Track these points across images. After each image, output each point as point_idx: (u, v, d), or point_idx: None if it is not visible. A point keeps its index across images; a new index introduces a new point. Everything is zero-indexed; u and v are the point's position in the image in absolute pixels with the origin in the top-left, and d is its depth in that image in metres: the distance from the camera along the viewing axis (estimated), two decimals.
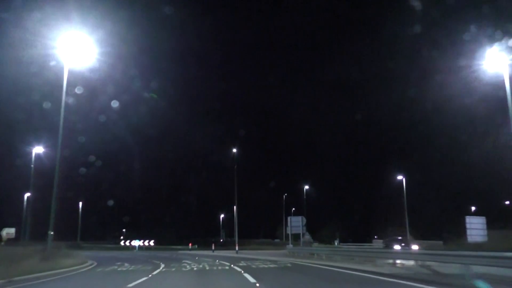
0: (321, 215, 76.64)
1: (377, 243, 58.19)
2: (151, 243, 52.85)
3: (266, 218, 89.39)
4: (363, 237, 73.33)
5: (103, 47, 20.16)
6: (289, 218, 41.15)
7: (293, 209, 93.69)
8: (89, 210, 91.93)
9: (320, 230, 68.30)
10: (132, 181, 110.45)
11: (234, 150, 45.49)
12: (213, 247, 41.30)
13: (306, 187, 69.29)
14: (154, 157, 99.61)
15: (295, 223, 40.16)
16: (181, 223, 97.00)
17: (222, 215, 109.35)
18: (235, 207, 46.67)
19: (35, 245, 22.48)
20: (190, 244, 44.77)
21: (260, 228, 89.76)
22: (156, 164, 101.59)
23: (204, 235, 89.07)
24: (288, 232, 40.80)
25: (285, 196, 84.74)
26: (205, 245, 53.46)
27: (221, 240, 72.12)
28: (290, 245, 39.75)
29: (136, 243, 53.09)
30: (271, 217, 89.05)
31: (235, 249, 44.22)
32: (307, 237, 39.87)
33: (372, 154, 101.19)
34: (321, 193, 79.43)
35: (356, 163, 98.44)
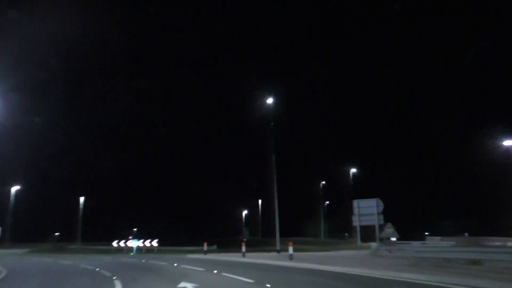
0: None
1: (433, 240, 45.00)
2: (154, 243, 38.24)
3: (301, 211, 76.73)
4: (410, 233, 58.82)
5: None
6: (355, 202, 26.17)
7: (327, 202, 79.33)
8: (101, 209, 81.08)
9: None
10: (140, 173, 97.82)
11: (270, 101, 30.85)
12: (243, 249, 25.67)
13: (353, 170, 54.45)
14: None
15: (367, 209, 25.23)
16: (195, 219, 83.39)
17: (245, 211, 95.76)
18: (274, 188, 31.86)
19: None
20: (205, 244, 30.09)
21: (300, 223, 75.32)
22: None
23: (222, 233, 76.36)
24: (355, 223, 25.85)
25: (322, 184, 70.36)
26: (227, 246, 38.97)
27: (244, 240, 58.28)
28: (374, 244, 24.87)
29: (133, 243, 38.62)
30: (304, 210, 76.32)
31: (268, 250, 30.23)
32: (390, 230, 24.69)
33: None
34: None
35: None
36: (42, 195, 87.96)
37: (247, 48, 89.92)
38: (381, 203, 24.64)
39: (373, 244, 25.01)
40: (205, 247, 30.72)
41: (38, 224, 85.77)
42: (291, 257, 21.07)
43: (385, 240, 25.07)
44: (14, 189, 66.21)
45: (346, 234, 66.52)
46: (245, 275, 13.23)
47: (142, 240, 40.48)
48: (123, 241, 40.79)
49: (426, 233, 60.31)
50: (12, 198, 66.69)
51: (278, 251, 29.16)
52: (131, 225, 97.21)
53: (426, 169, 74.12)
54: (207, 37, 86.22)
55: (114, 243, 40.89)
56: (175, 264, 19.96)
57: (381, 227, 25.06)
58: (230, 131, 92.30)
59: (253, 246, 45.88)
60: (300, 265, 18.07)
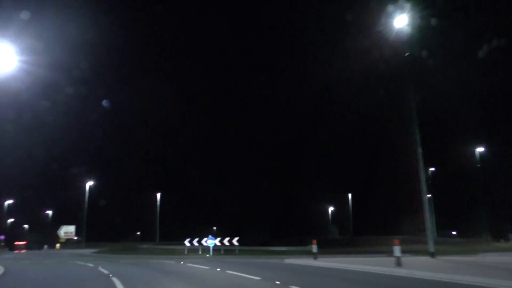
0: None
1: None
2: (234, 241, 29.16)
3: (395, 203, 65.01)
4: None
5: None
6: None
7: (428, 195, 65.85)
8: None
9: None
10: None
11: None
12: (398, 253, 12.97)
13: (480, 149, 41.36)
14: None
15: None
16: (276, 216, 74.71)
17: (331, 208, 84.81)
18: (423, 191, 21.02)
19: None
20: (314, 243, 19.91)
21: (394, 218, 63.24)
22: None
23: (306, 232, 66.84)
24: None
25: (431, 171, 57.27)
26: (324, 246, 28.84)
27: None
28: None
29: (209, 242, 29.90)
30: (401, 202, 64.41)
31: (380, 252, 19.55)
32: None
33: None
34: None
35: None
36: (120, 191, 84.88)
37: None
38: None
39: None
40: (314, 248, 20.49)
41: (120, 223, 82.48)
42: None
43: None
44: (88, 184, 61.85)
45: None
46: None
47: (219, 239, 31.75)
48: (196, 239, 32.35)
49: None
50: (86, 194, 62.76)
51: (432, 255, 18.47)
52: (210, 223, 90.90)
53: None
54: None
55: (187, 242, 32.61)
56: None
57: None
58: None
59: (351, 247, 35.31)
60: None
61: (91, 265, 19.11)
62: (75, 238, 67.16)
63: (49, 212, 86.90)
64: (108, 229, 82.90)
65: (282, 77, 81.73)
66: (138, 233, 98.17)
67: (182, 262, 20.28)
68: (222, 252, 31.17)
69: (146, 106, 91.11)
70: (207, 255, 29.79)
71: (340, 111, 75.95)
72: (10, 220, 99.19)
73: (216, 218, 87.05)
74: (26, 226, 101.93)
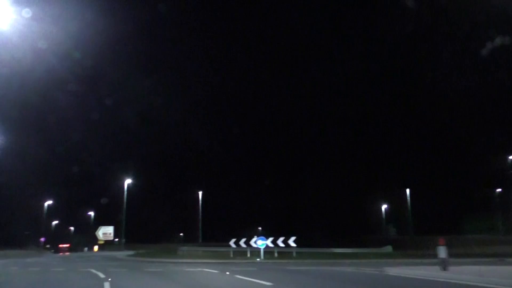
0: None
1: None
2: (291, 242, 22.93)
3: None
4: None
5: None
6: None
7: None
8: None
9: None
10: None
11: None
12: None
13: None
14: None
15: None
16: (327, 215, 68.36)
17: (384, 206, 77.34)
18: None
19: None
20: (441, 242, 13.11)
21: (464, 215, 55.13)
22: None
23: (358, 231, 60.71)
24: None
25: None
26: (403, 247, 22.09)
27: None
28: None
29: (260, 243, 23.87)
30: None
31: None
32: None
33: None
34: None
35: None
36: (161, 191, 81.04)
37: None
38: None
39: None
40: (442, 251, 12.90)
41: (161, 224, 78.55)
42: None
43: None
44: (127, 182, 57.80)
45: None
46: None
47: (271, 239, 25.71)
48: (243, 240, 26.51)
49: None
50: (125, 193, 58.73)
51: None
52: (255, 223, 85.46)
53: None
54: None
55: (232, 243, 26.87)
56: None
57: None
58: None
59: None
60: None
61: (101, 275, 13.66)
62: (116, 240, 63.66)
63: (91, 213, 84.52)
64: (149, 230, 79.29)
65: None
66: (181, 234, 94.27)
67: (228, 273, 14.42)
68: (276, 255, 25.11)
69: (189, 103, 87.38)
70: (258, 259, 23.90)
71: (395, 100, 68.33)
72: (55, 222, 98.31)
73: (261, 218, 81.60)
74: (71, 228, 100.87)
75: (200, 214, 70.73)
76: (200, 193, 70.97)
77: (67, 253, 57.99)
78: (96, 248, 57.65)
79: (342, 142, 79.99)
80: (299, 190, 72.89)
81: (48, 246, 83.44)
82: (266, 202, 79.17)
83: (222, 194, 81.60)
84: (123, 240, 58.96)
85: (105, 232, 57.86)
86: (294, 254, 24.64)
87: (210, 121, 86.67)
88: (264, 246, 24.41)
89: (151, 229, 79.29)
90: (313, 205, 70.76)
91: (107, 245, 58.76)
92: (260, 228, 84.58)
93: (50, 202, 67.26)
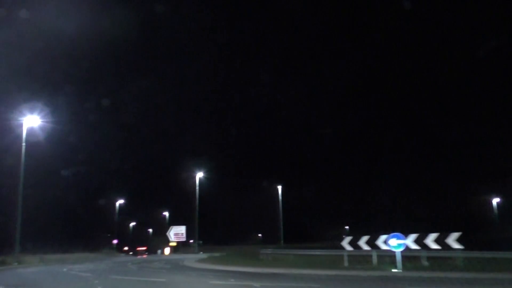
0: None
1: None
2: (451, 241, 12.87)
3: None
4: None
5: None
6: None
7: None
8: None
9: None
10: None
11: None
12: None
13: None
14: None
15: None
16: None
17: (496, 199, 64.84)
18: None
19: None
20: None
21: None
22: None
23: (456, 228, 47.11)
24: None
25: None
26: None
27: None
28: None
29: (392, 243, 14.23)
30: None
31: None
32: None
33: None
34: None
35: None
36: (237, 187, 73.84)
37: None
38: None
39: None
40: None
41: (238, 224, 71.37)
42: None
43: None
44: (199, 175, 51.03)
45: None
46: None
47: (413, 237, 16.01)
48: (363, 239, 17.14)
49: None
50: (197, 189, 51.97)
51: None
52: (341, 222, 75.11)
53: None
54: None
55: (346, 244, 17.70)
56: None
57: None
58: None
59: None
60: None
61: None
62: (191, 241, 57.34)
63: (166, 214, 79.75)
64: (224, 230, 72.42)
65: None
66: (260, 235, 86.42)
67: None
68: (427, 263, 15.44)
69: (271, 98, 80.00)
70: (394, 270, 14.59)
71: None
72: (132, 224, 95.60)
73: (348, 216, 71.20)
74: (150, 230, 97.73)
75: (281, 211, 62.40)
76: (280, 188, 62.64)
77: (145, 256, 54.79)
78: (167, 250, 51.50)
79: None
80: (394, 184, 61.36)
81: (126, 248, 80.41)
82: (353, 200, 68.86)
83: (300, 190, 72.45)
84: (198, 242, 52.37)
85: (177, 232, 51.40)
86: (460, 261, 14.76)
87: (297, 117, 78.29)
88: (402, 249, 14.97)
89: (225, 229, 72.54)
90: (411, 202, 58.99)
91: (181, 246, 52.46)
92: (347, 227, 74.32)
93: (121, 201, 62.95)
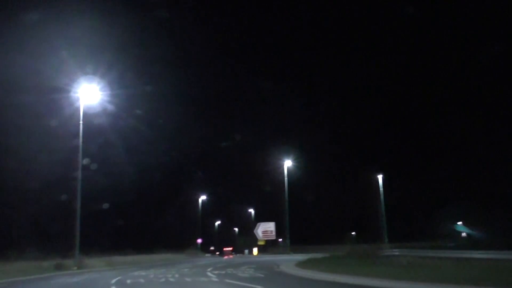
0: None
1: None
2: None
3: None
4: None
5: None
6: None
7: None
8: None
9: None
10: None
11: None
12: None
13: None
14: None
15: None
16: None
17: None
18: None
19: None
20: None
21: None
22: None
23: None
24: None
25: None
26: None
27: None
28: None
29: None
30: None
31: None
32: None
33: None
34: None
35: None
36: (327, 179, 65.49)
37: None
38: None
39: None
40: None
41: (329, 219, 63.17)
42: None
43: None
44: (286, 165, 44.03)
45: None
46: None
47: None
48: None
49: None
50: (285, 178, 44.92)
51: None
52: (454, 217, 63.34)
53: None
54: None
55: None
56: None
57: None
58: None
59: None
60: None
61: None
62: (279, 240, 50.73)
63: (251, 211, 74.22)
64: (314, 228, 64.77)
65: None
66: (353, 233, 76.99)
67: None
68: None
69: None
70: None
71: None
72: (218, 223, 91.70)
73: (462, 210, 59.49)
74: (235, 229, 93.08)
75: (383, 204, 53.25)
76: (380, 177, 53.55)
77: (231, 256, 51.00)
78: (255, 251, 45.17)
79: None
80: None
81: (212, 248, 76.47)
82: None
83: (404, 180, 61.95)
84: (288, 241, 45.55)
85: (265, 229, 44.82)
86: None
87: None
88: None
89: (315, 226, 64.79)
90: None
91: (269, 246, 45.98)
92: (460, 222, 62.88)
93: (204, 197, 58.31)
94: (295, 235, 55.18)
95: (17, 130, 31.35)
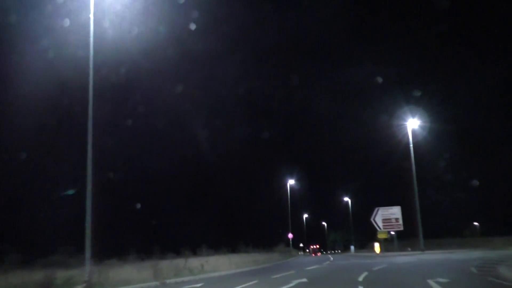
0: None
1: None
2: None
3: None
4: None
5: None
6: None
7: None
8: None
9: None
10: None
11: None
12: None
13: None
14: None
15: None
16: None
17: None
18: None
19: None
20: None
21: None
22: None
23: None
24: None
25: None
26: None
27: None
28: None
29: None
30: None
31: None
32: None
33: None
34: None
35: None
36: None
37: None
38: None
39: None
40: None
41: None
42: None
43: None
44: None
45: None
46: None
47: None
48: None
49: None
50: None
51: None
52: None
53: None
54: None
55: None
56: None
57: None
58: None
59: None
60: None
61: None
62: (391, 233, 37.52)
63: (347, 199, 61.08)
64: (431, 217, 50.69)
65: None
66: (475, 223, 60.74)
67: None
68: None
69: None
70: None
71: None
72: (305, 216, 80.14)
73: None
74: (324, 223, 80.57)
75: None
76: None
77: (319, 254, 46.08)
78: (377, 247, 32.24)
79: None
80: None
81: (301, 245, 65.51)
82: None
83: None
84: (391, 235, 32.98)
85: (387, 217, 31.76)
86: None
87: None
88: None
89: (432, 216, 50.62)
90: None
91: (395, 241, 32.95)
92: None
93: (292, 182, 46.64)
94: (409, 227, 41.82)
95: None
